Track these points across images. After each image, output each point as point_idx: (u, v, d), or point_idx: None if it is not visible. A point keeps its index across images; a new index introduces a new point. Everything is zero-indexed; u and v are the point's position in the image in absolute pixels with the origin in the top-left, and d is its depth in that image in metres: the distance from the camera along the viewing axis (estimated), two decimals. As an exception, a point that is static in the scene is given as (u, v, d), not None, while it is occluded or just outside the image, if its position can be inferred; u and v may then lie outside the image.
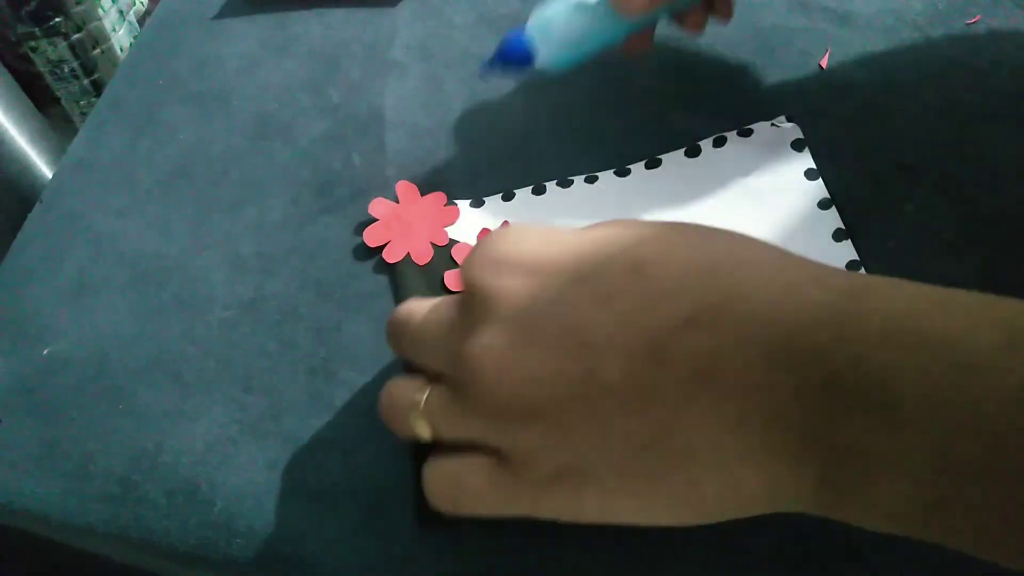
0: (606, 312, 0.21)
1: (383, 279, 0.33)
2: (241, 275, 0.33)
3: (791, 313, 0.19)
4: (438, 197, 0.34)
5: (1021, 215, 0.31)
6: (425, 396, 0.23)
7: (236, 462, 0.28)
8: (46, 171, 0.84)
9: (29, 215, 0.37)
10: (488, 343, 0.22)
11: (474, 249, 0.24)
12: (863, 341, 0.18)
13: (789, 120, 0.34)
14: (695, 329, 0.20)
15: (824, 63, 0.37)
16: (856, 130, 0.34)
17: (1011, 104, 0.34)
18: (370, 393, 0.29)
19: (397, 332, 0.26)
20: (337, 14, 0.44)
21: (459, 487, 0.23)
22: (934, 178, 0.32)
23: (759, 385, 0.19)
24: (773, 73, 0.37)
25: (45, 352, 0.32)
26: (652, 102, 0.37)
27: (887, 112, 0.35)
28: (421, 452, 0.24)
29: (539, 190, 0.34)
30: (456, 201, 0.34)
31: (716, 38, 0.39)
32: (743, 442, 0.19)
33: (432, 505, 0.23)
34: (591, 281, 0.21)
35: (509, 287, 0.22)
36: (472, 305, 0.23)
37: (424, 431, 0.23)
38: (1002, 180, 0.32)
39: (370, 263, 0.33)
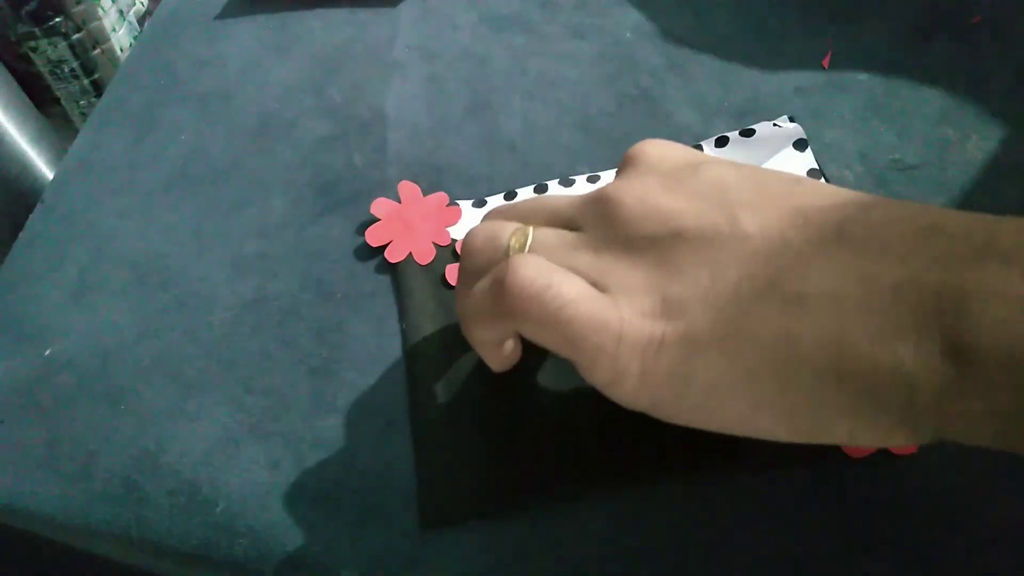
0: (758, 190, 0.22)
1: (385, 279, 0.33)
2: (242, 275, 0.33)
3: (943, 208, 0.20)
4: (440, 197, 0.34)
5: (1021, 215, 0.31)
6: (531, 230, 0.24)
7: (238, 462, 0.28)
8: (46, 171, 0.84)
9: (31, 216, 0.37)
10: (635, 181, 0.23)
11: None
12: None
13: (791, 120, 0.34)
14: (844, 209, 0.20)
15: (826, 63, 0.37)
16: (858, 130, 0.34)
17: (1011, 104, 0.34)
18: (372, 393, 0.29)
19: (507, 207, 0.27)
20: (338, 14, 0.44)
21: (555, 280, 0.21)
22: (935, 178, 0.32)
23: (900, 251, 0.19)
24: (775, 73, 0.37)
25: (47, 352, 0.32)
26: (653, 102, 0.37)
27: (889, 112, 0.35)
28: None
29: (541, 189, 0.34)
30: (458, 201, 0.34)
31: (718, 38, 0.39)
32: (869, 298, 0.19)
33: (511, 287, 0.22)
34: (748, 171, 0.23)
35: (667, 154, 0.24)
36: (624, 165, 0.25)
37: (521, 248, 0.23)
38: (1002, 180, 0.32)
39: (372, 263, 0.33)
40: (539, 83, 0.39)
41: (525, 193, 0.34)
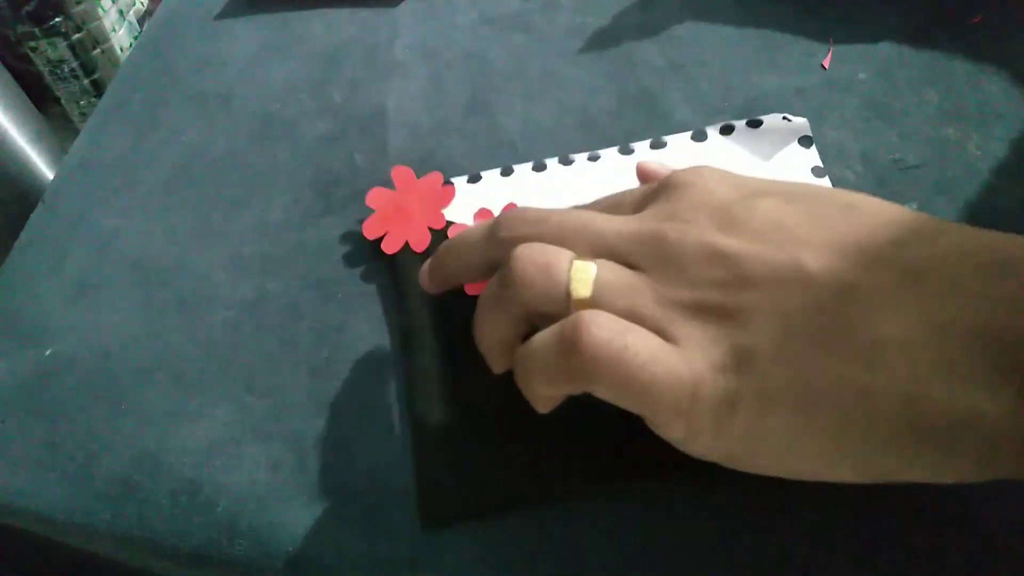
0: (816, 224, 0.21)
1: (385, 278, 0.32)
2: (243, 275, 0.33)
3: (1009, 236, 0.19)
4: (435, 178, 0.34)
5: (1021, 215, 0.31)
6: (591, 263, 0.22)
7: (239, 462, 0.28)
8: (46, 171, 0.84)
9: (31, 215, 0.37)
10: (692, 223, 0.22)
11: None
12: None
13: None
14: (908, 245, 0.20)
15: (826, 63, 0.37)
16: (858, 130, 0.34)
17: (1011, 104, 0.34)
18: (372, 393, 0.29)
19: (534, 218, 0.24)
20: (339, 14, 0.44)
21: (629, 341, 0.20)
22: (936, 178, 0.33)
23: (972, 292, 0.19)
24: (775, 73, 0.37)
25: (47, 352, 0.32)
26: (654, 102, 0.37)
27: (889, 112, 0.35)
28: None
29: (540, 167, 0.34)
30: (453, 179, 0.34)
31: (718, 38, 0.39)
32: (943, 345, 0.18)
33: (585, 350, 0.20)
34: (802, 203, 0.22)
35: (712, 187, 0.23)
36: (667, 193, 0.23)
37: (584, 288, 0.22)
38: (1002, 180, 0.32)
39: (372, 263, 0.33)
40: (539, 83, 0.39)
41: (522, 169, 0.34)
